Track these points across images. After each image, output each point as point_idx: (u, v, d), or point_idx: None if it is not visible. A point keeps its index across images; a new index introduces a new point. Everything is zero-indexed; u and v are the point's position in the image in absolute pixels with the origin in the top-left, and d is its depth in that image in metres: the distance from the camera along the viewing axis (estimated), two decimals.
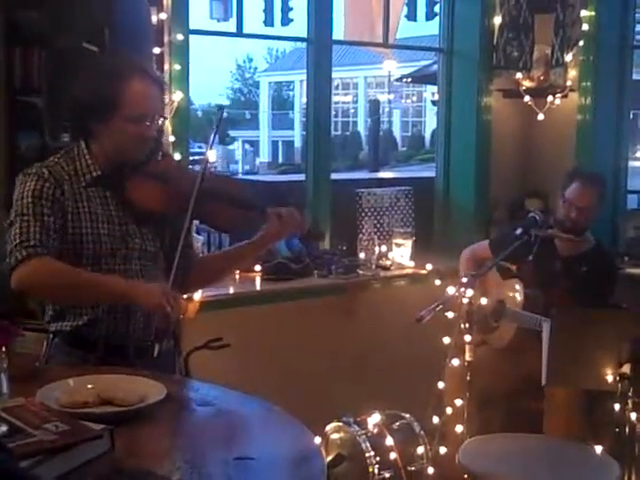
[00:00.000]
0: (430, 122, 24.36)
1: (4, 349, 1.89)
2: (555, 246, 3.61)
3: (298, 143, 25.64)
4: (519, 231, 3.30)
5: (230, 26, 4.30)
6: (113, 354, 2.32)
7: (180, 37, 3.67)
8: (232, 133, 27.89)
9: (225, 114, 2.71)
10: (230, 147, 27.91)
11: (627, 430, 2.68)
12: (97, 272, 2.32)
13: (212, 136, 2.58)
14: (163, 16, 3.58)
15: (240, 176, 20.93)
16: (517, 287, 3.48)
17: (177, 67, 3.66)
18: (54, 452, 1.53)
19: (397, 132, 27.57)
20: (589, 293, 3.38)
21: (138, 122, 2.32)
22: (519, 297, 3.45)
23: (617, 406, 2.72)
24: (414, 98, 27.82)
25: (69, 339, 2.37)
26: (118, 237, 2.36)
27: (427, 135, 25.30)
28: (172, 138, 3.63)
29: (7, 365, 1.87)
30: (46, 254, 2.21)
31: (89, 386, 1.92)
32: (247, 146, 29.07)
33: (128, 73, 2.32)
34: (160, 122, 2.45)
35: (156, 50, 3.54)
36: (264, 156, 27.83)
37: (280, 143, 28.81)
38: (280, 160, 27.08)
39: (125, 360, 2.31)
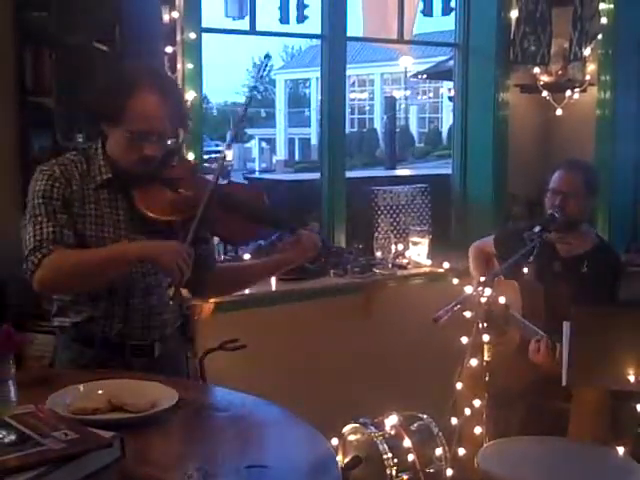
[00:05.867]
0: (447, 118, 24.24)
1: (12, 356, 1.85)
2: (555, 247, 3.48)
3: (314, 141, 25.59)
4: (537, 229, 3.22)
5: (245, 24, 4.26)
6: (111, 351, 2.32)
7: (193, 36, 3.65)
8: (249, 131, 27.89)
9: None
10: (247, 145, 27.92)
11: None
12: None
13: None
14: (175, 15, 3.57)
15: (257, 174, 20.93)
16: (517, 288, 3.39)
17: (190, 66, 3.64)
18: (63, 461, 1.50)
19: (414, 128, 27.47)
20: (590, 294, 3.27)
21: (138, 139, 2.26)
22: (520, 300, 3.37)
23: None
24: (431, 94, 27.71)
25: (71, 334, 2.38)
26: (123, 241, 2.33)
27: (444, 131, 25.20)
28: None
29: (15, 372, 1.83)
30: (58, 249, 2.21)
31: (99, 392, 1.89)
32: (263, 144, 29.05)
33: (137, 86, 2.26)
34: (169, 142, 2.40)
35: (168, 49, 3.52)
36: (281, 154, 27.79)
37: (297, 141, 28.76)
38: (297, 158, 27.04)
39: (123, 358, 2.32)
